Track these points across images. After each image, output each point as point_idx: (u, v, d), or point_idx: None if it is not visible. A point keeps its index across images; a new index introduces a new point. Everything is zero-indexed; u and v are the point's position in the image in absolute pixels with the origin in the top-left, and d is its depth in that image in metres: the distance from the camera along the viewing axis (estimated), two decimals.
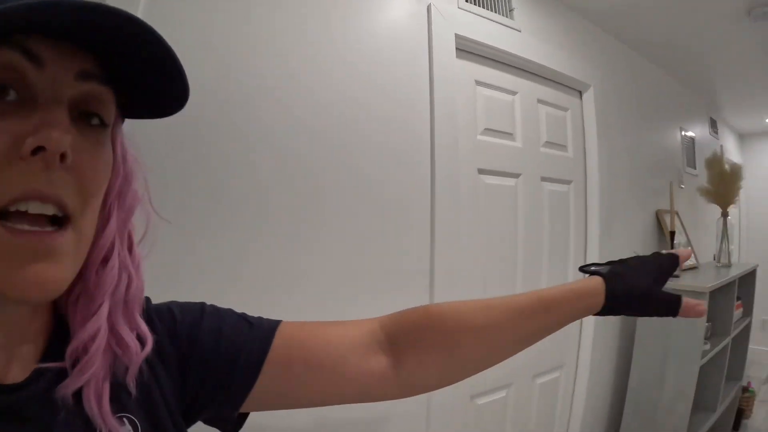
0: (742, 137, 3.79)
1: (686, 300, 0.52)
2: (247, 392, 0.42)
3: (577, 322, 1.51)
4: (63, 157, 0.26)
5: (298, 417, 0.89)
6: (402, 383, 0.47)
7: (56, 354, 0.32)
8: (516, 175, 1.38)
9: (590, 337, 1.57)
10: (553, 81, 1.50)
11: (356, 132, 1.00)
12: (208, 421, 0.45)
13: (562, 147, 1.52)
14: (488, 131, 1.30)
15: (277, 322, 0.45)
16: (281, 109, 0.89)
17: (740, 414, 2.32)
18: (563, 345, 1.55)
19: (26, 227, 0.26)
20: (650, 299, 0.52)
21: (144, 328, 0.36)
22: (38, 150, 0.26)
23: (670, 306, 0.52)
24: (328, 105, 0.95)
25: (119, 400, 0.34)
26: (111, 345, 0.34)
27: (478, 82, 1.29)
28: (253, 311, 0.47)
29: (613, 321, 1.70)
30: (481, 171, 1.28)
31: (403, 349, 0.47)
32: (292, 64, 0.90)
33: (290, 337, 0.44)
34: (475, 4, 1.26)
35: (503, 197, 1.34)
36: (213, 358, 0.41)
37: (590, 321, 1.58)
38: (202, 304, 0.45)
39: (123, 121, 0.35)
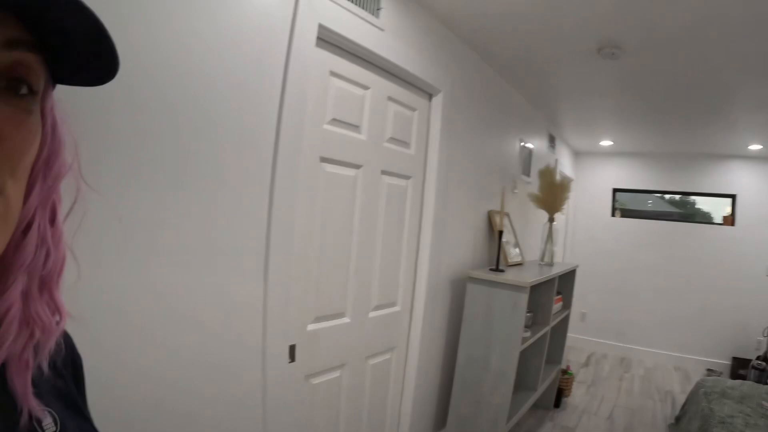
0: (577, 155, 4.53)
1: None
2: None
3: (408, 305, 1.77)
4: None
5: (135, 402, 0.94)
6: None
7: None
8: (357, 166, 1.48)
9: (420, 320, 1.81)
10: (407, 82, 1.64)
11: (202, 106, 1.00)
12: None
13: (406, 144, 1.68)
14: (335, 122, 1.38)
15: None
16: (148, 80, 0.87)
17: (560, 393, 2.72)
18: (394, 329, 1.75)
19: None
20: None
21: (61, 304, 0.35)
22: None
23: None
24: (182, 76, 0.95)
25: (38, 388, 0.34)
26: (26, 320, 0.33)
27: (333, 73, 1.35)
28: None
29: (442, 306, 1.97)
30: (323, 159, 1.36)
31: None
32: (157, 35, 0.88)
33: None
34: None
35: (343, 186, 1.44)
36: None
37: (420, 304, 1.82)
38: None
39: (53, 87, 0.34)
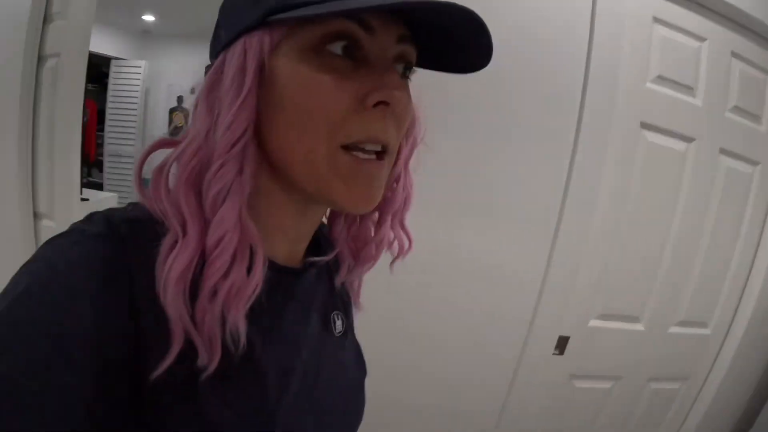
0: None
1: None
2: None
3: (722, 330, 1.32)
4: (398, 111, 0.33)
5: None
6: None
7: (314, 253, 0.44)
8: (689, 139, 1.16)
9: (732, 352, 1.32)
10: (758, 34, 1.22)
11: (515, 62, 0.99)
12: None
13: (755, 117, 1.25)
14: (661, 79, 1.14)
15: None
16: None
17: None
18: (694, 355, 1.35)
19: (362, 156, 0.33)
20: None
21: (409, 231, 0.46)
22: (379, 104, 0.32)
23: None
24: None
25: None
26: (384, 246, 0.45)
27: (657, 20, 1.12)
28: None
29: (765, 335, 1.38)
30: (644, 125, 1.11)
31: None
32: None
33: None
34: None
35: (667, 162, 1.18)
36: None
37: (739, 332, 1.32)
38: None
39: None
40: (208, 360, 0.31)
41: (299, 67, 0.31)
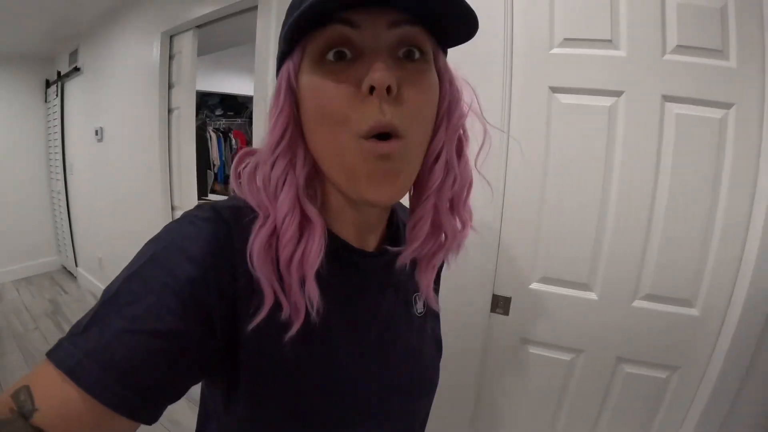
0: None
1: None
2: None
3: (719, 313, 1.18)
4: (389, 90, 0.35)
5: None
6: None
7: (392, 239, 0.49)
8: (616, 93, 1.12)
9: (729, 337, 1.11)
10: None
11: None
12: None
13: (715, 52, 1.05)
14: (569, 41, 1.13)
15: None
16: None
17: None
18: (683, 340, 1.16)
19: (372, 144, 0.37)
20: None
21: (465, 217, 0.46)
22: (372, 89, 0.35)
23: None
24: None
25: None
26: (435, 229, 0.45)
27: None
28: None
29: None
30: (555, 89, 1.15)
31: None
32: None
33: None
34: None
35: (592, 120, 1.13)
36: None
37: (736, 314, 1.10)
38: None
39: (445, 53, 0.43)
40: (296, 319, 0.38)
41: (310, 78, 0.38)
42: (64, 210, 3.47)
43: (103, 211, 2.79)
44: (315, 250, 0.39)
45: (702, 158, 1.08)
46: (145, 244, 0.38)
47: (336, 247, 0.43)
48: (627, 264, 1.15)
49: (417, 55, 0.38)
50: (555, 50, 1.14)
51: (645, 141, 1.10)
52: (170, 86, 2.11)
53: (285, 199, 0.39)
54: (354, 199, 0.40)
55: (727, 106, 1.06)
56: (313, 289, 0.38)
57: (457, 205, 0.46)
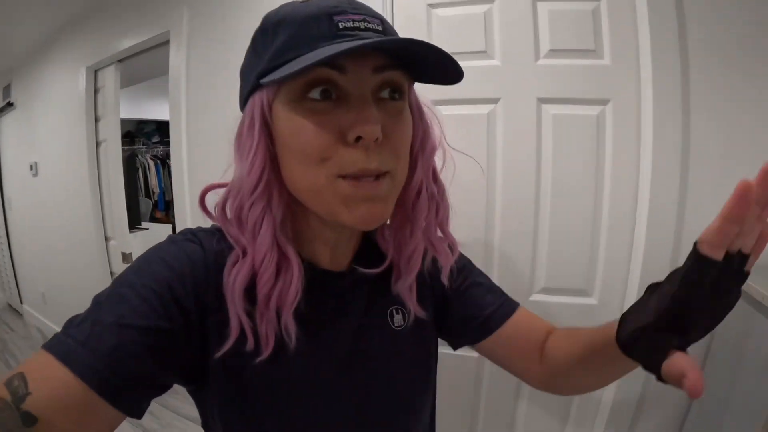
0: None
1: (670, 364, 0.33)
2: (474, 342, 0.58)
3: (617, 298, 1.20)
4: (376, 140, 0.37)
5: None
6: (540, 379, 0.57)
7: (361, 259, 0.50)
8: (493, 101, 1.18)
9: None
10: None
11: None
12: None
13: (588, 53, 1.12)
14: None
15: (516, 304, 0.58)
16: None
17: None
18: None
19: (359, 182, 0.38)
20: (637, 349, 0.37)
21: (452, 238, 0.50)
22: (358, 138, 0.37)
23: (646, 363, 0.36)
24: None
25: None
26: (427, 253, 0.48)
27: (432, 5, 1.20)
28: None
29: None
30: (440, 102, 1.20)
31: (544, 356, 0.55)
32: None
33: (522, 319, 0.57)
34: None
35: (472, 128, 1.19)
36: (469, 302, 0.57)
37: (631, 300, 1.16)
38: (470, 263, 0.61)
39: (413, 83, 0.45)
40: (265, 350, 0.40)
41: (289, 115, 0.38)
42: (5, 246, 3.39)
43: (43, 246, 2.75)
44: (293, 289, 0.41)
45: (583, 153, 1.14)
46: (135, 259, 0.42)
47: (309, 274, 0.44)
48: (520, 262, 1.20)
49: (397, 96, 0.41)
50: None
51: (524, 143, 1.16)
52: (97, 119, 2.10)
53: (263, 240, 0.40)
54: (331, 223, 0.43)
55: (604, 102, 1.12)
56: (291, 324, 0.41)
57: (445, 231, 0.49)
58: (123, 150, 2.12)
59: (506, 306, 0.57)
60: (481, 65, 1.17)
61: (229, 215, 0.43)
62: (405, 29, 1.20)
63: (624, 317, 0.40)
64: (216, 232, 0.45)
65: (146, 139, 3.41)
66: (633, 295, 1.14)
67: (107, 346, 0.35)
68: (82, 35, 2.10)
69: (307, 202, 0.41)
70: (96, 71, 2.08)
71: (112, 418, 0.36)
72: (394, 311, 0.51)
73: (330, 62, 0.36)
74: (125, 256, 2.03)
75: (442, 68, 0.39)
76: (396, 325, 0.51)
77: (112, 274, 2.14)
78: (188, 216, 1.61)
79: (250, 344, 0.40)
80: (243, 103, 0.43)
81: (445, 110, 1.20)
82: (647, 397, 1.16)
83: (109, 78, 2.01)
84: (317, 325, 0.45)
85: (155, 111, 3.31)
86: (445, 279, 0.51)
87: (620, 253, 1.15)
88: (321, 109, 0.38)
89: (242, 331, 0.40)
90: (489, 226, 1.20)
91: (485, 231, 1.20)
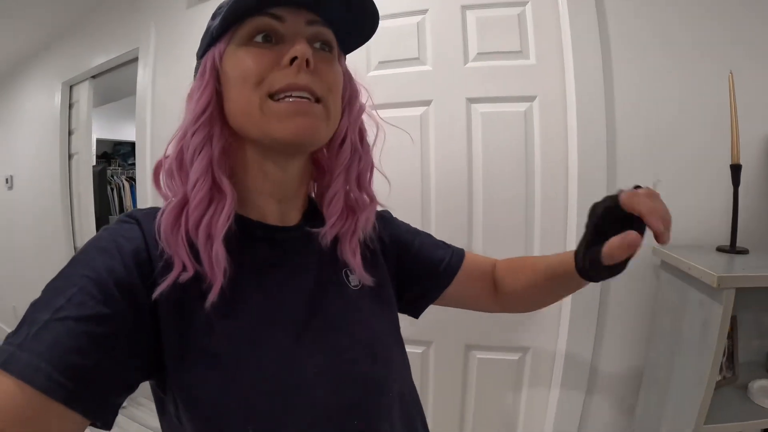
0: None
1: (609, 246, 0.42)
2: (442, 291, 0.63)
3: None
4: (308, 63, 0.42)
5: None
6: (498, 305, 0.67)
7: (310, 215, 0.53)
8: (426, 103, 1.26)
9: (567, 317, 1.20)
10: None
11: None
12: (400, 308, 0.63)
13: (514, 54, 1.21)
14: (383, 64, 1.28)
15: (462, 251, 0.67)
16: None
17: None
18: (529, 322, 1.26)
19: (290, 100, 0.42)
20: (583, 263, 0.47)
21: (371, 193, 0.53)
22: (293, 60, 0.42)
23: (591, 268, 0.47)
24: None
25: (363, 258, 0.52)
26: (349, 205, 0.51)
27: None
28: None
29: (620, 303, 1.19)
30: (373, 107, 1.27)
31: (499, 286, 0.66)
32: None
33: (470, 262, 0.65)
34: None
35: (409, 127, 1.25)
36: (422, 261, 0.63)
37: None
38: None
39: (344, 56, 0.53)
40: (213, 279, 0.40)
41: (236, 55, 0.44)
42: None
43: (16, 259, 2.77)
44: (224, 216, 0.41)
45: (512, 148, 1.21)
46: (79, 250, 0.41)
47: (252, 227, 0.47)
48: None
49: (327, 48, 0.47)
50: (372, 73, 1.29)
51: (456, 141, 1.24)
52: (70, 132, 2.18)
53: (198, 166, 0.42)
54: (267, 144, 0.44)
55: (531, 99, 1.21)
56: (220, 252, 0.40)
57: (363, 182, 0.52)
58: (95, 165, 2.19)
59: (456, 255, 0.64)
60: (415, 71, 1.26)
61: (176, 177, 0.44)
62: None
63: (576, 253, 0.49)
64: (156, 211, 0.44)
65: (122, 160, 3.48)
66: None
67: (46, 343, 0.33)
68: (59, 51, 2.20)
69: (243, 127, 0.44)
70: (71, 86, 2.17)
71: (74, 424, 0.33)
72: (349, 272, 0.53)
73: (271, 13, 0.43)
74: None
75: (365, 24, 0.47)
76: (353, 284, 0.52)
77: None
78: None
79: (186, 275, 0.39)
80: (198, 64, 0.48)
81: (382, 114, 1.26)
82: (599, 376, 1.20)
83: (83, 93, 2.09)
84: (273, 281, 0.46)
85: (131, 132, 3.39)
86: (366, 230, 0.53)
87: (554, 242, 1.21)
88: (263, 46, 0.43)
89: (191, 276, 0.40)
90: (425, 222, 1.27)
91: (421, 228, 1.25)
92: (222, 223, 0.41)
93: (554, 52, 1.19)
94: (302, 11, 0.44)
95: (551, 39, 1.19)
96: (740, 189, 0.96)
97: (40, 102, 2.32)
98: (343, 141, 0.50)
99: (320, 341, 0.45)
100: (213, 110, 0.44)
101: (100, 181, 2.42)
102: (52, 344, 0.33)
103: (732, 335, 1.00)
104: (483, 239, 1.24)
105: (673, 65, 1.10)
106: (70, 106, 2.18)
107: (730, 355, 0.99)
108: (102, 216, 2.25)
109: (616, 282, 1.15)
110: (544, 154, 1.20)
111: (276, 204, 0.49)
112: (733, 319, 0.99)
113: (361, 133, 0.53)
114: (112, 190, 2.96)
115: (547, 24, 1.19)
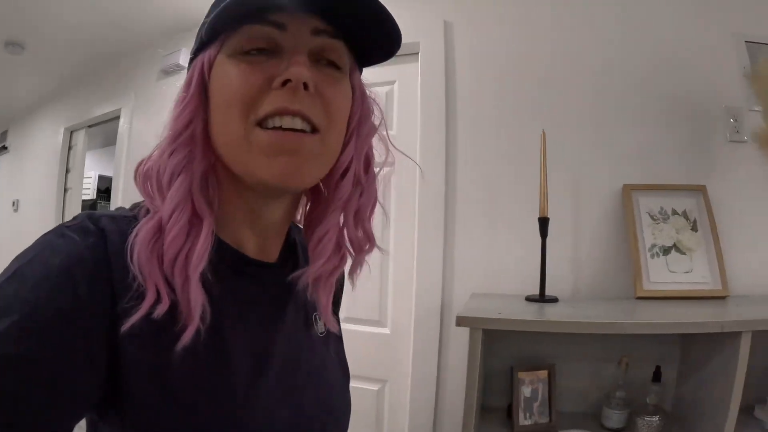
0: None
1: None
2: None
3: (405, 331, 1.44)
4: (306, 86, 0.36)
5: None
6: None
7: (289, 250, 0.49)
8: None
9: (410, 354, 1.44)
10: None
11: None
12: None
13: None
14: None
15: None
16: None
17: None
18: (385, 356, 1.49)
19: (280, 129, 0.36)
20: None
21: (371, 234, 0.46)
22: (286, 82, 0.35)
23: None
24: None
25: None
26: (339, 246, 0.44)
27: None
28: None
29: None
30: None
31: None
32: None
33: None
34: None
35: None
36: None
37: (411, 334, 1.47)
38: None
39: (360, 69, 0.46)
40: (188, 320, 0.34)
41: (224, 66, 0.38)
42: None
43: None
44: (200, 249, 0.35)
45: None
46: (14, 258, 0.33)
47: (232, 257, 0.41)
48: None
49: (335, 67, 0.40)
50: None
51: None
52: (68, 171, 2.63)
53: (176, 192, 0.36)
54: (252, 184, 0.38)
55: (390, 164, 1.58)
56: (196, 292, 0.34)
57: (362, 219, 0.45)
58: (85, 200, 2.63)
59: (347, 369, 0.57)
60: None
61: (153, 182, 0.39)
62: None
63: None
64: (124, 213, 0.39)
65: None
66: (420, 323, 1.43)
67: None
68: (66, 100, 2.67)
69: (226, 158, 0.38)
70: (72, 132, 2.63)
71: None
72: (317, 317, 0.49)
73: (271, 21, 0.36)
74: None
75: (376, 29, 0.39)
76: (320, 331, 0.49)
77: None
78: None
79: (164, 306, 0.33)
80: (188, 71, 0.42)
81: None
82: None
83: (80, 139, 2.56)
84: (251, 320, 0.41)
85: None
86: (355, 275, 0.47)
87: (404, 292, 1.48)
88: (256, 60, 0.37)
89: (162, 307, 0.33)
90: None
91: None
92: (198, 260, 0.35)
93: (411, 124, 1.48)
94: (309, 17, 0.38)
95: (410, 114, 1.51)
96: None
97: (47, 141, 2.79)
98: (345, 173, 0.43)
99: (285, 395, 0.42)
100: (195, 128, 0.38)
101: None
102: None
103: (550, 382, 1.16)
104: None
105: (500, 126, 1.42)
106: (69, 148, 2.62)
107: (548, 403, 1.15)
108: None
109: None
110: (397, 213, 1.50)
111: (255, 237, 0.44)
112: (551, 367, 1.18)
113: (368, 160, 0.46)
114: None
115: (408, 102, 1.53)
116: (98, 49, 2.20)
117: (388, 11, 0.37)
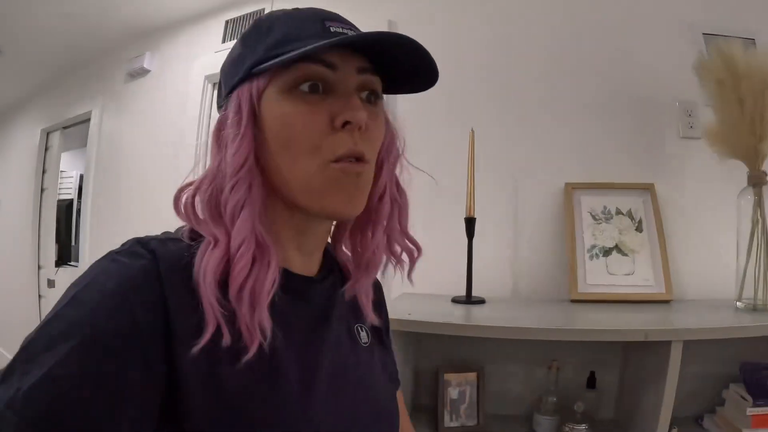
0: None
1: None
2: None
3: None
4: (361, 127, 0.40)
5: None
6: None
7: (326, 264, 0.52)
8: None
9: None
10: None
11: None
12: None
13: None
14: None
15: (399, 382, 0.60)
16: None
17: None
18: None
19: (346, 164, 0.41)
20: None
21: (415, 239, 0.51)
22: (346, 124, 0.40)
23: None
24: None
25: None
26: (391, 251, 0.50)
27: None
28: None
29: None
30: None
31: None
32: None
33: (399, 399, 0.59)
34: None
35: None
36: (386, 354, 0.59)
37: None
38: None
39: (382, 98, 0.49)
40: (249, 343, 0.36)
41: (280, 106, 0.40)
42: None
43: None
44: (270, 280, 0.38)
45: None
46: (69, 287, 0.35)
47: (282, 276, 0.42)
48: None
49: (374, 98, 0.44)
50: None
51: None
52: (44, 171, 2.66)
53: (242, 226, 0.38)
54: (318, 215, 0.43)
55: None
56: (265, 319, 0.37)
57: (405, 231, 0.50)
58: (60, 200, 2.67)
59: (397, 380, 0.59)
60: None
61: (198, 210, 0.41)
62: None
63: None
64: (169, 236, 0.41)
65: None
66: None
67: (38, 405, 0.29)
68: (42, 102, 2.71)
69: (294, 193, 0.41)
70: (48, 133, 2.65)
71: None
72: (359, 328, 0.52)
73: (323, 60, 0.39)
74: (50, 282, 2.51)
75: (416, 69, 0.43)
76: (363, 341, 0.52)
77: (39, 296, 2.62)
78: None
79: (226, 340, 0.35)
80: (226, 96, 0.43)
81: None
82: None
83: (56, 141, 2.58)
84: (301, 335, 0.44)
85: None
86: (410, 276, 0.52)
87: None
88: (312, 100, 0.40)
89: (218, 330, 0.35)
90: None
91: None
92: (267, 290, 0.38)
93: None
94: (354, 56, 0.41)
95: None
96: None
97: (25, 142, 2.83)
98: (382, 196, 0.48)
99: (337, 403, 0.44)
100: (253, 162, 0.40)
101: (67, 212, 2.88)
102: (44, 407, 0.29)
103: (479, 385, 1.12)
104: None
105: (432, 125, 1.36)
106: (46, 149, 2.65)
107: (475, 405, 1.12)
108: (61, 240, 2.70)
109: None
110: None
111: (300, 254, 0.47)
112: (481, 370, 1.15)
113: (398, 182, 0.51)
114: (73, 216, 3.41)
115: None
116: (70, 53, 2.27)
117: (425, 49, 0.41)
